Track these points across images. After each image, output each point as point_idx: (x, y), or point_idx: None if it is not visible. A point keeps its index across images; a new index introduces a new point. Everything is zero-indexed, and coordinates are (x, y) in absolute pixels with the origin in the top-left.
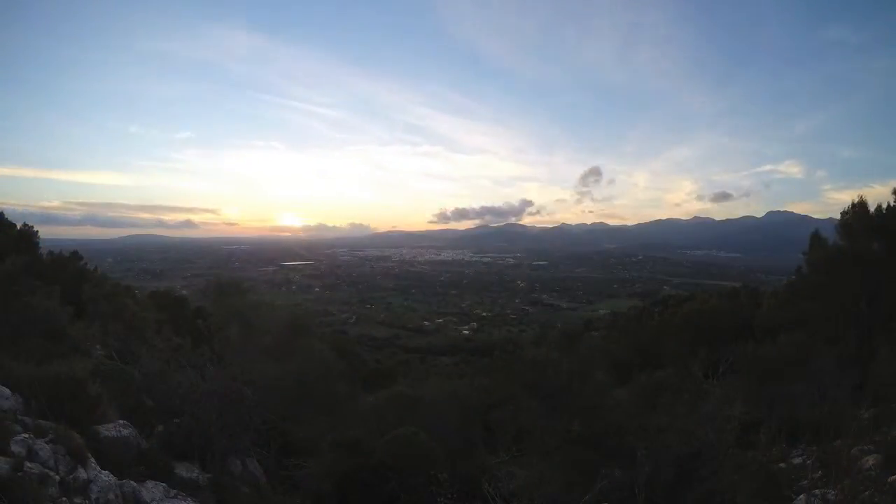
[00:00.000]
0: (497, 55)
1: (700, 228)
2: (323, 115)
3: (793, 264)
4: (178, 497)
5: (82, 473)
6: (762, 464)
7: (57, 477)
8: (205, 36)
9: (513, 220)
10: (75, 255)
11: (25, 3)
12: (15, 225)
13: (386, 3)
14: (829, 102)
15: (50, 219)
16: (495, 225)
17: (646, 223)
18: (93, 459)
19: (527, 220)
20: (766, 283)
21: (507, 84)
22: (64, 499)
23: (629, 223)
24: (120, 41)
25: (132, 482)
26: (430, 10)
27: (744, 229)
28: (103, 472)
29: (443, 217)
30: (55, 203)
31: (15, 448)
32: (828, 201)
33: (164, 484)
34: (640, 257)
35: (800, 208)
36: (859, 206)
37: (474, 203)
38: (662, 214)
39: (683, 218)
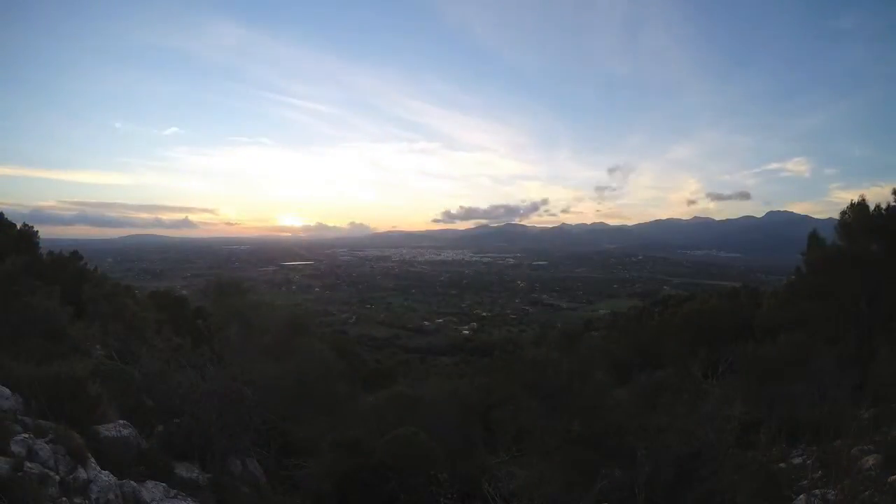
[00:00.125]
0: (495, 46)
1: (700, 228)
2: (313, 110)
3: (793, 264)
4: (178, 497)
5: (82, 473)
6: (762, 464)
7: (57, 477)
8: (188, 27)
9: (517, 219)
10: (75, 255)
11: None
12: (15, 225)
13: None
14: (840, 97)
15: (43, 218)
16: (495, 225)
17: (646, 223)
18: (93, 459)
19: (531, 220)
20: (766, 283)
21: (505, 77)
22: (64, 499)
23: (629, 223)
24: (100, 34)
25: (132, 482)
26: None
27: (744, 229)
28: (103, 472)
29: (448, 216)
30: (49, 202)
31: (15, 448)
32: (834, 201)
33: (164, 484)
34: (640, 257)
35: (805, 208)
36: (859, 206)
37: (473, 203)
38: (663, 214)
39: (683, 218)
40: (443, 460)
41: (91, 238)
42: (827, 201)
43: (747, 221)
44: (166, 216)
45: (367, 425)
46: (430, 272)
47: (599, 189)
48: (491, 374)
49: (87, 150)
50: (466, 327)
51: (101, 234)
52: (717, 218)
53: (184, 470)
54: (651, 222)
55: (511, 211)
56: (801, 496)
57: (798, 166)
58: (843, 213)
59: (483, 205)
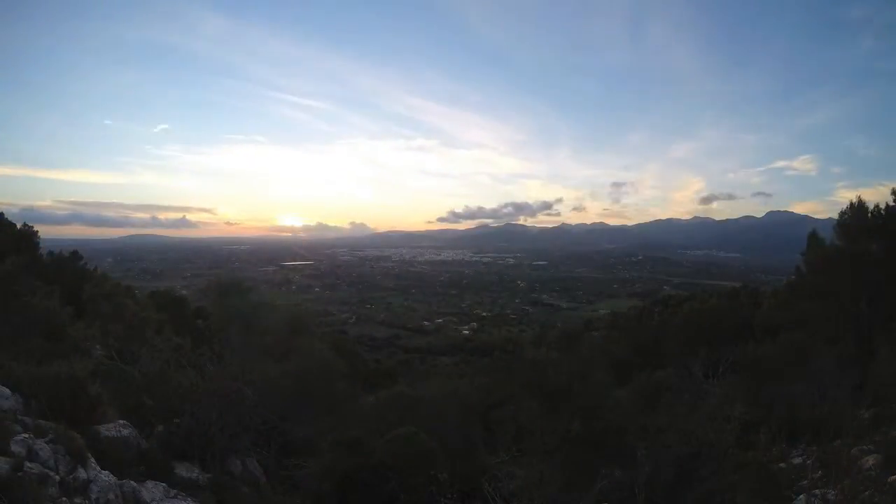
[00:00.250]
0: (495, 38)
1: (700, 228)
2: (306, 106)
3: (793, 264)
4: (178, 497)
5: (82, 473)
6: (762, 464)
7: (57, 477)
8: (173, 20)
9: (521, 219)
10: (75, 255)
11: None
12: (15, 224)
13: None
14: (849, 92)
15: (35, 217)
16: (495, 225)
17: (646, 223)
18: (93, 459)
19: (533, 220)
20: (766, 283)
21: (504, 71)
22: (64, 499)
23: (629, 223)
24: (82, 29)
25: (132, 482)
26: None
27: (744, 229)
28: (103, 472)
29: (454, 215)
30: (45, 202)
31: (15, 448)
32: (839, 200)
33: (164, 484)
34: (640, 257)
35: (811, 207)
36: (858, 207)
37: (474, 202)
38: (663, 214)
39: (683, 218)
40: (443, 460)
41: (88, 238)
42: (831, 200)
43: (747, 221)
44: (164, 216)
45: (367, 425)
46: (430, 272)
47: (617, 185)
48: (491, 374)
49: (76, 147)
50: (466, 327)
51: (97, 233)
52: (718, 218)
53: (184, 470)
54: (651, 222)
55: (521, 208)
56: (801, 496)
57: (805, 164)
58: (843, 213)
59: (484, 204)
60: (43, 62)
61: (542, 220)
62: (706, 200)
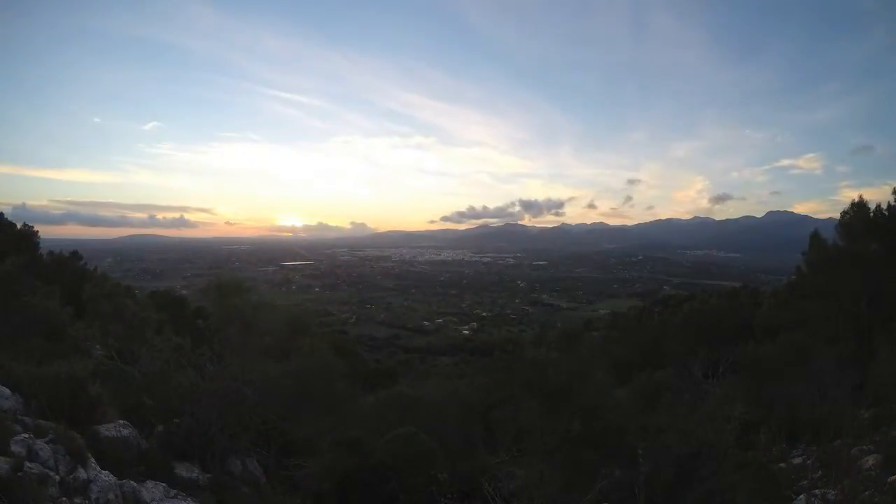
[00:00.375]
0: (493, 31)
1: (700, 228)
2: (298, 102)
3: (793, 264)
4: (178, 497)
5: (82, 473)
6: (762, 464)
7: (57, 477)
8: (161, 13)
9: (525, 219)
10: (75, 255)
11: None
12: (15, 224)
13: None
14: (857, 88)
15: (29, 216)
16: (495, 225)
17: (646, 223)
18: (93, 459)
19: (533, 220)
20: (766, 283)
21: (504, 66)
22: (64, 499)
23: (629, 223)
24: (68, 23)
25: (132, 482)
26: None
27: (744, 229)
28: (103, 472)
29: (459, 215)
30: (41, 202)
31: (15, 448)
32: (842, 200)
33: (164, 484)
34: (640, 257)
35: (814, 207)
36: (859, 206)
37: (474, 202)
38: (664, 214)
39: (684, 218)
40: (443, 460)
41: (85, 238)
42: (835, 200)
43: (747, 221)
44: (161, 215)
45: (367, 425)
46: (429, 272)
47: (632, 182)
48: (491, 374)
49: (68, 146)
50: (466, 327)
51: (94, 233)
52: (718, 218)
53: (184, 470)
54: (651, 222)
55: (528, 206)
56: (801, 496)
57: (810, 163)
58: (844, 212)
59: (488, 203)
60: (36, 59)
61: (543, 221)
62: (718, 200)
